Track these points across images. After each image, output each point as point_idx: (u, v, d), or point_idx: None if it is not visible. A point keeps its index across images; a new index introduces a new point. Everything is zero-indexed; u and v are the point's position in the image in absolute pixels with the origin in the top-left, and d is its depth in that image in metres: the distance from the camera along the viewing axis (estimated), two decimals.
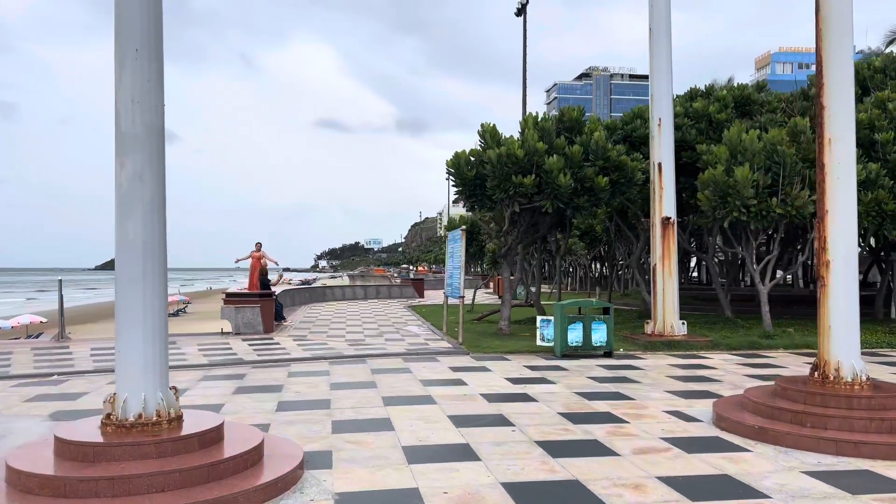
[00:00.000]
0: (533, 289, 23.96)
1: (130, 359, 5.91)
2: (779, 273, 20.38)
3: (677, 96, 25.33)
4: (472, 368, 12.19)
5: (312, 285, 45.08)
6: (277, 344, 15.64)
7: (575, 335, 13.60)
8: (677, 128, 19.98)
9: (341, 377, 11.23)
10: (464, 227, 16.05)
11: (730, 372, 11.85)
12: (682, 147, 19.57)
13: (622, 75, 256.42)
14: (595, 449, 6.88)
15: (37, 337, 40.01)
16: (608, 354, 13.69)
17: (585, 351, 13.65)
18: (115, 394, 5.95)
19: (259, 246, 23.22)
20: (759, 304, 18.27)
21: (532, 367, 12.30)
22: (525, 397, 9.52)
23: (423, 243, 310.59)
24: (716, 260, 25.48)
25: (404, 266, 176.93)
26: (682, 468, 6.25)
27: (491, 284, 52.35)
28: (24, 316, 40.79)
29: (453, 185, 17.94)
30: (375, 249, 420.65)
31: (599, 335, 13.66)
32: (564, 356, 13.56)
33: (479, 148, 17.92)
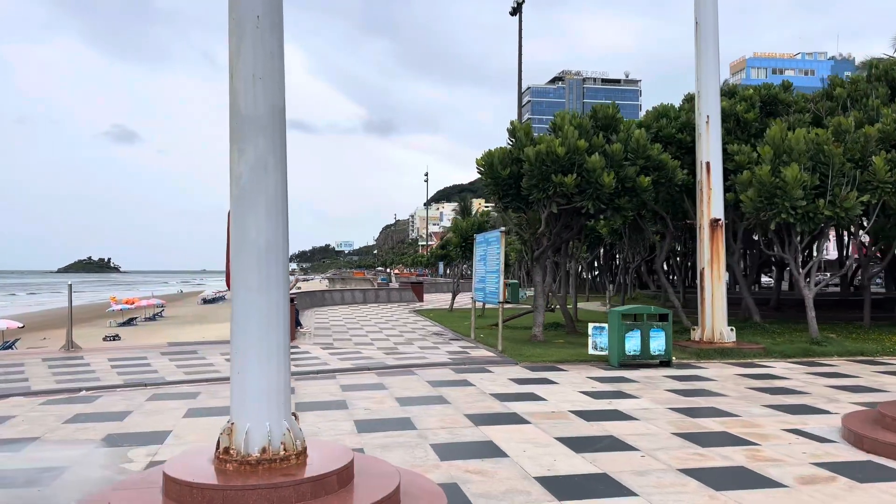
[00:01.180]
0: (552, 293, 23.23)
1: (251, 382, 4.99)
2: (820, 276, 19.92)
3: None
4: (535, 381, 11.38)
5: (305, 291, 43.85)
6: (308, 353, 14.65)
7: (633, 343, 12.88)
8: None
9: (401, 390, 10.34)
10: (503, 228, 15.23)
11: (807, 383, 11.23)
12: None
13: (594, 79, 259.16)
14: (755, 480, 6.11)
15: (14, 343, 38.12)
16: (666, 364, 13.01)
17: (643, 360, 12.94)
18: (232, 423, 5.01)
19: None
20: (777, 307, 17.96)
21: (598, 379, 11.54)
22: (620, 415, 8.74)
23: (396, 245, 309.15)
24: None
25: (379, 269, 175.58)
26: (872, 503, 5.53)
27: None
28: (0, 321, 38.84)
29: (484, 185, 17.12)
30: (346, 252, 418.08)
31: (658, 343, 12.96)
32: (622, 366, 12.83)
33: (508, 147, 17.16)
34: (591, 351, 13.46)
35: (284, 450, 4.94)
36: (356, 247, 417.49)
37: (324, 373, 12.04)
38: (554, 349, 15.15)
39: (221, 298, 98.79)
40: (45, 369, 12.38)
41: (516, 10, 43.15)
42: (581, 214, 16.79)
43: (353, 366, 12.71)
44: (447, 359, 13.62)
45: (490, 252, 15.97)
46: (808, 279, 16.31)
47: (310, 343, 16.40)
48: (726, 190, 16.78)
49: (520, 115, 43.20)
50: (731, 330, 15.05)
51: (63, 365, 12.83)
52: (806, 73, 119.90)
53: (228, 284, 5.35)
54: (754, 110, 20.32)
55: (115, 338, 45.59)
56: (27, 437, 7.67)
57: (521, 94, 43.49)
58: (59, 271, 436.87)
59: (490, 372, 12.21)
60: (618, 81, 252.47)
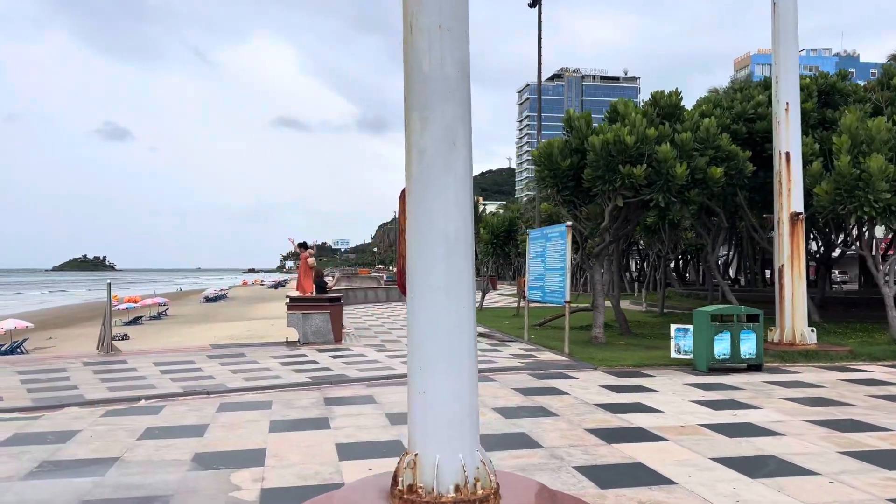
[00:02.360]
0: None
1: (440, 404, 4.05)
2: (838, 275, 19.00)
3: (747, 86, 24.04)
4: (630, 388, 10.46)
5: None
6: (363, 355, 13.71)
7: (722, 346, 11.97)
8: (760, 118, 18.63)
9: (493, 399, 9.42)
10: (569, 223, 14.29)
11: None
12: (766, 139, 18.20)
13: (593, 76, 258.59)
14: None
15: (22, 343, 37.06)
16: (757, 368, 12.11)
17: (732, 364, 12.04)
18: (416, 455, 4.07)
19: (304, 246, 21.22)
20: (822, 305, 17.09)
21: (697, 386, 10.63)
22: (759, 430, 7.82)
23: (394, 243, 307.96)
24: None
25: (379, 266, 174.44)
26: None
27: (496, 285, 50.76)
28: (9, 321, 37.68)
29: (541, 177, 16.20)
30: (343, 250, 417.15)
31: (748, 346, 12.06)
32: (711, 370, 11.93)
33: (565, 137, 16.25)
34: (673, 354, 12.55)
35: (480, 487, 4.00)
36: (353, 244, 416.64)
37: (394, 378, 11.11)
38: (621, 352, 14.26)
39: (223, 297, 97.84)
40: (90, 375, 11.41)
41: (535, 3, 42.23)
42: (645, 208, 15.88)
43: None
44: (518, 363, 12.68)
45: (551, 248, 15.04)
46: (887, 276, 15.44)
47: (360, 345, 15.45)
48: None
49: (539, 112, 42.24)
50: (812, 331, 14.17)
51: (108, 370, 11.85)
52: (810, 70, 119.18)
53: (401, 285, 4.40)
54: (812, 100, 19.44)
55: (124, 337, 44.57)
56: (105, 458, 6.72)
57: (540, 87, 42.49)
58: (55, 269, 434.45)
59: (573, 378, 11.29)
60: (616, 79, 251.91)
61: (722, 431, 7.67)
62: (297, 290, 21.60)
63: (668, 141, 14.79)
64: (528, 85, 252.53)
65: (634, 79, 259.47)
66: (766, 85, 21.64)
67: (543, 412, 8.65)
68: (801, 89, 19.68)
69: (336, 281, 21.02)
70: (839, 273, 46.54)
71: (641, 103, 17.99)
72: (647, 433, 7.62)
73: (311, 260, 18.88)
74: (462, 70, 4.09)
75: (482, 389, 10.05)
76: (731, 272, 43.91)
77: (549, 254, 15.15)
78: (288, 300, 16.13)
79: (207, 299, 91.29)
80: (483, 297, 28.90)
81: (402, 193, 4.31)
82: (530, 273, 16.47)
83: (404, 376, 11.14)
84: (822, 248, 24.73)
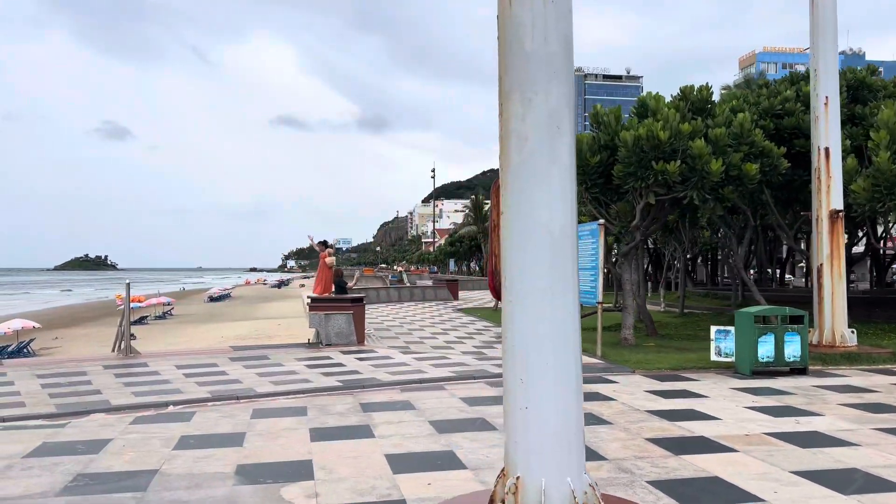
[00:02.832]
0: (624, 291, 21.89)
1: (545, 421, 3.63)
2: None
3: (772, 82, 23.60)
4: (675, 393, 10.03)
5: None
6: (389, 357, 13.28)
7: (766, 349, 11.54)
8: (788, 113, 18.19)
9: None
10: (601, 221, 13.85)
11: None
12: (794, 135, 17.76)
13: (596, 75, 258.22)
14: None
15: (29, 343, 36.64)
16: (802, 371, 11.67)
17: (776, 367, 11.60)
18: (518, 478, 3.64)
19: (325, 244, 20.82)
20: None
21: (745, 390, 10.20)
22: (830, 439, 7.38)
23: (396, 242, 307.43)
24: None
25: (382, 265, 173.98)
26: None
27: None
28: (16, 321, 37.27)
29: None
30: (344, 249, 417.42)
31: (792, 349, 11.62)
32: (755, 374, 11.49)
33: (593, 133, 15.82)
34: (713, 357, 12.11)
35: None
36: (354, 244, 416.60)
37: (427, 382, 10.68)
38: (654, 354, 13.83)
39: (227, 296, 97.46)
40: (112, 378, 10.98)
41: None
42: (676, 206, 15.45)
43: (453, 373, 11.34)
44: None
45: (582, 247, 14.59)
46: None
47: (384, 346, 15.02)
48: (805, 181, 15.48)
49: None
50: (853, 332, 13.74)
51: (129, 373, 11.43)
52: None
53: (493, 288, 3.97)
54: (842, 95, 19.00)
55: (132, 337, 44.12)
56: (143, 470, 6.29)
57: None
58: (56, 269, 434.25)
59: (613, 382, 10.86)
60: (619, 77, 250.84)
61: (791, 441, 7.24)
62: (316, 290, 21.21)
63: (701, 136, 14.35)
64: None
65: (637, 77, 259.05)
66: (793, 80, 21.21)
67: (595, 419, 8.22)
68: None
69: (356, 281, 20.46)
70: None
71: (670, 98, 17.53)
72: (713, 443, 7.19)
73: (331, 259, 18.47)
74: (567, 46, 3.67)
75: None
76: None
77: (580, 253, 14.69)
78: (309, 300, 15.70)
79: (212, 298, 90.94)
80: None
81: (496, 186, 3.88)
82: None
83: (438, 381, 10.75)
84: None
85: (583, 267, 14.47)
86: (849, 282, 23.22)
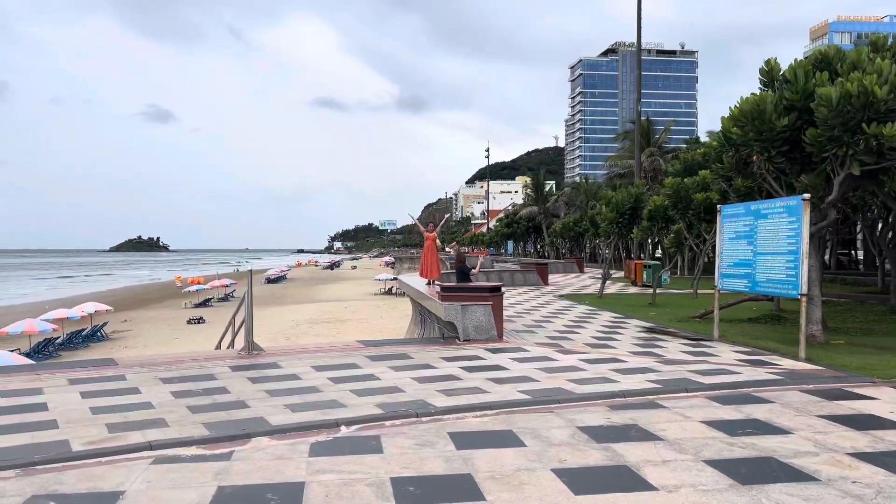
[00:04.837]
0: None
1: None
2: None
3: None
4: None
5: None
6: (552, 359, 11.24)
7: None
8: None
9: (825, 439, 6.86)
10: (806, 195, 11.51)
11: None
12: None
13: (649, 50, 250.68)
14: None
15: (102, 327, 35.94)
16: None
17: None
18: None
19: (433, 226, 18.94)
20: None
21: None
22: None
23: (440, 224, 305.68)
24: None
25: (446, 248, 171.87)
26: None
27: (582, 268, 47.85)
28: (89, 304, 36.72)
29: (742, 142, 13.38)
30: (389, 231, 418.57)
31: None
32: None
33: (773, 92, 13.40)
34: None
35: None
36: (399, 225, 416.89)
37: (631, 395, 8.60)
38: (865, 356, 11.51)
39: (283, 278, 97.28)
40: (247, 384, 9.22)
41: None
42: (875, 178, 12.99)
43: (652, 383, 9.24)
44: (766, 375, 10.04)
45: (767, 228, 12.27)
46: None
47: (529, 342, 13.01)
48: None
49: (639, 80, 39.12)
50: None
51: (265, 377, 9.65)
52: None
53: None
54: None
55: (200, 320, 43.39)
56: None
57: (639, 56, 39.39)
58: (111, 250, 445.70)
59: (872, 399, 8.61)
60: (673, 52, 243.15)
61: None
62: (422, 274, 19.33)
63: None
64: (581, 60, 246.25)
65: (692, 52, 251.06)
66: None
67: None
68: None
69: (479, 266, 18.44)
70: None
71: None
72: None
73: (458, 248, 16.55)
74: None
75: (779, 418, 7.52)
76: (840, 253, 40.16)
77: (763, 234, 12.39)
78: (438, 288, 13.79)
79: (269, 280, 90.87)
80: (604, 282, 26.16)
81: None
82: (723, 258, 13.75)
83: (643, 394, 8.65)
84: None
85: (771, 251, 12.18)
86: None
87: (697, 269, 27.21)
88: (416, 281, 20.27)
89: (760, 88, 13.94)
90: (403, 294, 62.27)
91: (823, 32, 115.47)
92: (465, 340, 12.64)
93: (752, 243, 12.79)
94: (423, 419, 7.59)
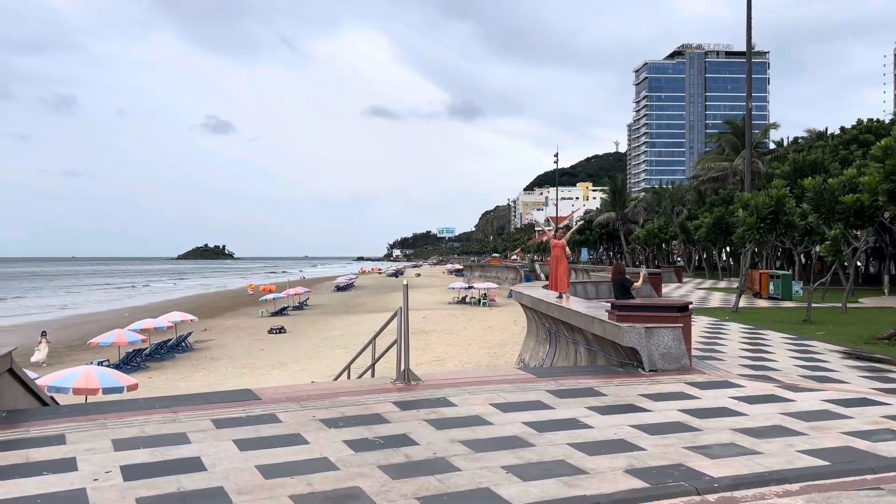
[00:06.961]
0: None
1: None
2: None
3: None
4: None
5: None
6: (780, 397, 8.95)
7: None
8: None
9: None
10: None
11: None
12: None
13: (717, 52, 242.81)
14: None
15: (187, 336, 35.07)
16: None
17: None
18: None
19: (561, 232, 16.88)
20: None
21: None
22: None
23: (500, 231, 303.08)
24: None
25: (494, 255, 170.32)
26: None
27: (681, 277, 44.76)
28: (175, 313, 35.97)
29: None
30: (447, 238, 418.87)
31: None
32: None
33: None
34: None
35: None
36: (457, 233, 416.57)
37: None
38: None
39: (351, 285, 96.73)
40: (433, 432, 7.22)
41: None
42: None
43: None
44: None
45: None
46: None
47: (731, 373, 10.73)
48: None
49: (749, 82, 36.26)
50: None
51: (447, 420, 7.64)
52: None
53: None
54: None
55: (281, 330, 42.28)
56: None
57: (749, 60, 36.54)
58: (179, 258, 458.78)
59: None
60: (742, 54, 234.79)
61: None
62: (552, 287, 17.28)
63: None
64: (647, 63, 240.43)
65: (763, 53, 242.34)
66: None
67: None
68: None
69: (642, 280, 16.29)
70: None
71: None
72: None
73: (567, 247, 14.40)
74: None
75: None
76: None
77: None
78: (611, 307, 11.65)
79: (338, 288, 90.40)
80: (739, 295, 23.45)
81: None
82: None
83: None
84: None
85: None
86: None
87: (849, 280, 24.27)
88: (540, 292, 18.23)
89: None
90: (478, 303, 60.42)
91: None
92: (651, 370, 10.46)
93: None
94: (710, 498, 5.49)
